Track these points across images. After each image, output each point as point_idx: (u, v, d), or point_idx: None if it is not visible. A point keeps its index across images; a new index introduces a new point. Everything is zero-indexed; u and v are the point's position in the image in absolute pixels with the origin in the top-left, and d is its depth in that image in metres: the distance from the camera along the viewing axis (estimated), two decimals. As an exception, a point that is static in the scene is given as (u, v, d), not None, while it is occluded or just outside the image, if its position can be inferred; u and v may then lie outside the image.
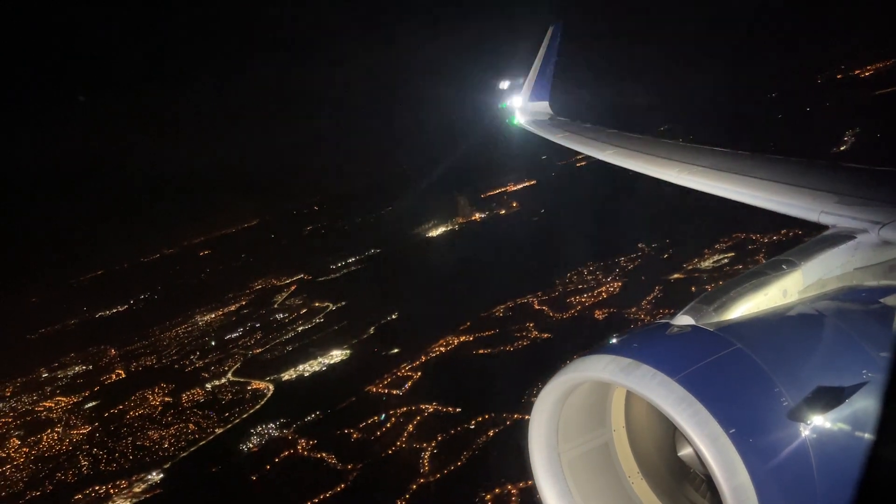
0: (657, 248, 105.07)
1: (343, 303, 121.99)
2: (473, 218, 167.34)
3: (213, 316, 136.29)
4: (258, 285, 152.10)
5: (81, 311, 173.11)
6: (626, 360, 2.72)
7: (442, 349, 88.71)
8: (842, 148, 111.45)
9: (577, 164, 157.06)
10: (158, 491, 71.21)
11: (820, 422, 2.54)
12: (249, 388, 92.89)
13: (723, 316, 3.13)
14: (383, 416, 74.03)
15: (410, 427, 70.70)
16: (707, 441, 2.42)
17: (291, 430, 76.58)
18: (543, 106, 12.78)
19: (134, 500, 70.35)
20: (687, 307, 3.18)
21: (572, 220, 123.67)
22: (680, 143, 7.51)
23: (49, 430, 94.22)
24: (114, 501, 70.66)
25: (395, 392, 79.80)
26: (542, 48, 13.40)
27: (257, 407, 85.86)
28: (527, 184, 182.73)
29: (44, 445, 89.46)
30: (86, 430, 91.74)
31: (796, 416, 2.53)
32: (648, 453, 3.41)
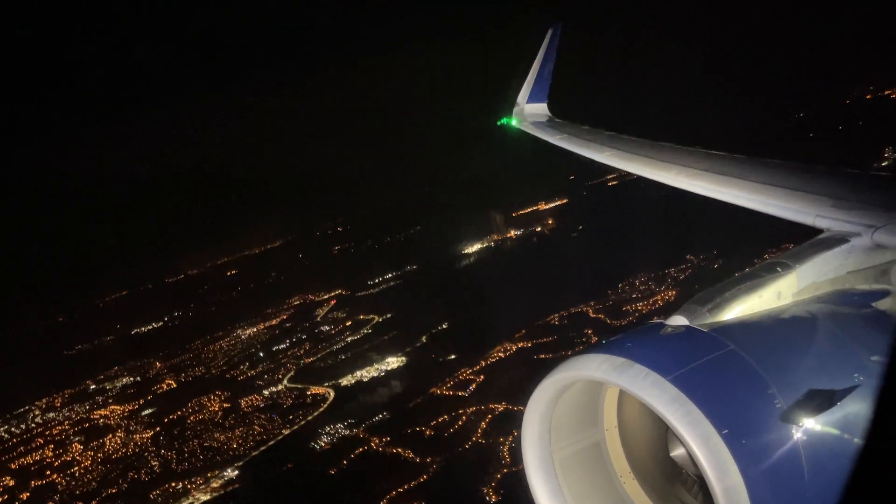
0: (706, 259, 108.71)
1: (389, 315, 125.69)
2: (509, 235, 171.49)
3: (255, 330, 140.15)
4: (296, 301, 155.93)
5: (115, 329, 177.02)
6: (620, 360, 2.79)
7: (501, 354, 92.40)
8: (883, 164, 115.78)
9: (609, 183, 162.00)
10: (237, 486, 74.85)
11: (812, 424, 2.60)
12: (309, 393, 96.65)
13: (717, 317, 3.22)
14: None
15: (483, 424, 74.21)
16: (699, 441, 2.51)
17: (361, 429, 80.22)
18: (541, 108, 12.94)
19: (213, 495, 73.95)
20: (681, 308, 3.27)
21: (612, 235, 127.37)
22: (677, 146, 7.63)
23: (110, 436, 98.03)
24: (193, 496, 74.25)
25: (460, 393, 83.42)
26: (541, 50, 13.61)
27: (321, 410, 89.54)
28: (558, 202, 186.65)
29: (109, 449, 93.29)
30: (149, 434, 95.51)
31: (789, 417, 2.60)
32: (640, 453, 3.50)
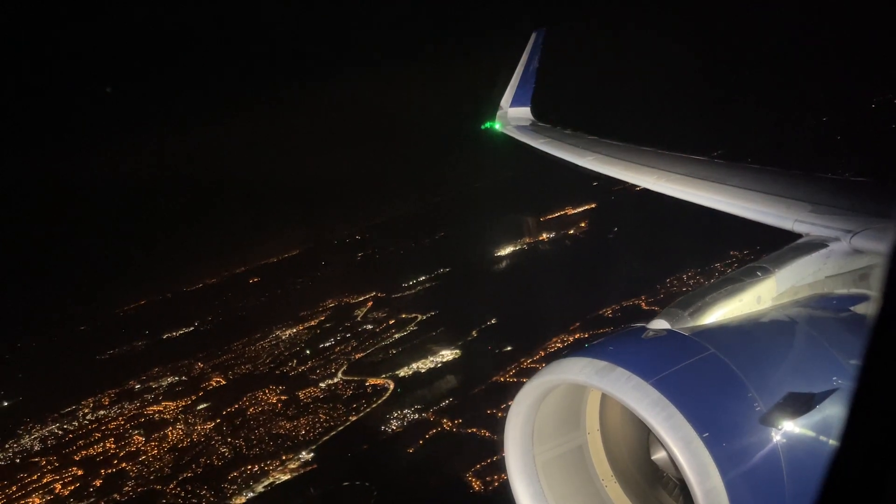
0: (751, 254, 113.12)
1: (432, 313, 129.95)
2: (541, 238, 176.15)
3: (295, 330, 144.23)
4: (331, 303, 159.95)
5: (144, 335, 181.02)
6: (602, 363, 2.97)
7: (559, 345, 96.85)
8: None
9: (636, 188, 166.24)
10: (314, 466, 79.19)
11: (791, 427, 2.77)
12: (367, 384, 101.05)
13: (698, 321, 3.40)
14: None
15: (556, 405, 78.58)
16: (681, 444, 2.66)
17: (430, 413, 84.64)
18: (525, 111, 13.09)
19: (293, 475, 78.31)
20: (662, 311, 3.48)
21: (650, 235, 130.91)
22: (658, 150, 7.83)
23: (170, 428, 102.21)
24: (273, 476, 78.62)
25: (524, 380, 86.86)
26: (524, 53, 13.86)
27: (384, 398, 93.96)
28: (586, 207, 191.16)
29: (173, 439, 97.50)
30: (210, 425, 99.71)
31: (768, 421, 2.77)
32: (622, 457, 3.70)
